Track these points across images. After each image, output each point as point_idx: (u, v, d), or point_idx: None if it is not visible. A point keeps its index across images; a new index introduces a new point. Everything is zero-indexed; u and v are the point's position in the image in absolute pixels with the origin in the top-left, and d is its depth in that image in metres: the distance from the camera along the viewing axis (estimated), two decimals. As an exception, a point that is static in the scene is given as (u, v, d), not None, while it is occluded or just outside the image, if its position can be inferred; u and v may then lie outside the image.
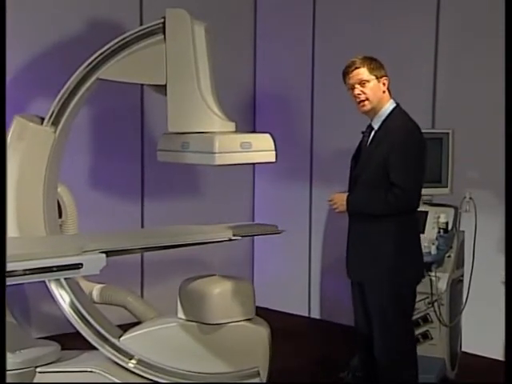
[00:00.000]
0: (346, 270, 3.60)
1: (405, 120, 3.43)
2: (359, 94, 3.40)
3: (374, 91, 3.39)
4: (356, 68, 3.39)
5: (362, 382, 3.70)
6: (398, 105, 3.47)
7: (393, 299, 3.40)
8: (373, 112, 3.44)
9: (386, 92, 3.45)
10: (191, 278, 3.94)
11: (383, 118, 3.42)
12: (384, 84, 3.42)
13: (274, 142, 3.81)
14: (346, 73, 3.44)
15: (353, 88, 3.41)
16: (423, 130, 4.70)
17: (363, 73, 3.39)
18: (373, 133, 3.44)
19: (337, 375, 4.22)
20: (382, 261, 3.38)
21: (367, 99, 3.40)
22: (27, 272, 2.90)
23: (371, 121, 3.47)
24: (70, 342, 4.00)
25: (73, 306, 3.80)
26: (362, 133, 3.55)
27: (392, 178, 3.32)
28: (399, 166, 3.31)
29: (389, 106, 3.44)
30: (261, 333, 3.86)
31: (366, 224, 3.42)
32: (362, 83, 3.39)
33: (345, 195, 3.44)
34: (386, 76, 3.43)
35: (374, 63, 3.41)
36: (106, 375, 3.71)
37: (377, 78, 3.39)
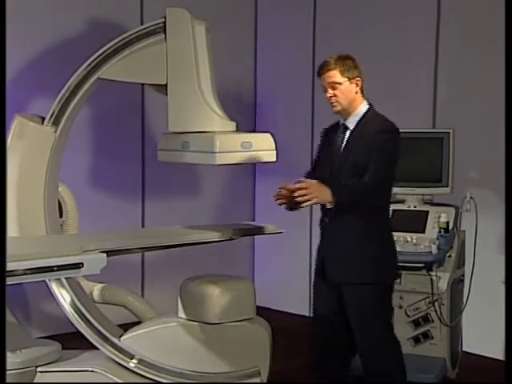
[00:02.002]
0: (316, 269, 3.59)
1: (383, 120, 3.44)
2: (330, 97, 3.41)
3: (345, 93, 3.40)
4: (328, 70, 3.40)
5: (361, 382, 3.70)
6: (371, 105, 3.48)
7: (376, 299, 3.42)
8: (346, 112, 3.44)
9: (359, 93, 3.44)
10: (192, 277, 3.93)
11: (358, 118, 3.43)
12: (357, 85, 3.41)
13: (275, 141, 3.81)
14: (318, 73, 3.45)
15: (325, 90, 3.43)
16: (424, 130, 4.75)
17: (335, 75, 3.39)
18: (348, 132, 3.44)
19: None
20: (364, 262, 3.39)
21: (337, 101, 3.41)
22: (28, 272, 2.90)
23: (344, 120, 3.46)
24: (71, 341, 4.00)
25: (73, 305, 3.80)
26: (326, 130, 3.56)
27: (368, 172, 3.32)
28: (374, 161, 3.30)
29: (363, 106, 3.45)
30: (261, 333, 3.86)
31: (344, 225, 3.40)
32: (334, 85, 3.39)
33: (321, 184, 3.26)
34: (358, 77, 3.42)
35: (346, 64, 3.40)
36: (107, 375, 3.71)
37: (349, 79, 3.39)
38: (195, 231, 3.93)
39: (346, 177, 3.37)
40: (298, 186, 3.24)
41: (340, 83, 3.39)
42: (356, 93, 3.43)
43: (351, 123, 3.45)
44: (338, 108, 3.42)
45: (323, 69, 3.42)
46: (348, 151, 3.41)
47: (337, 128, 3.52)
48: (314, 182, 3.27)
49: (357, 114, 3.44)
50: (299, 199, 3.24)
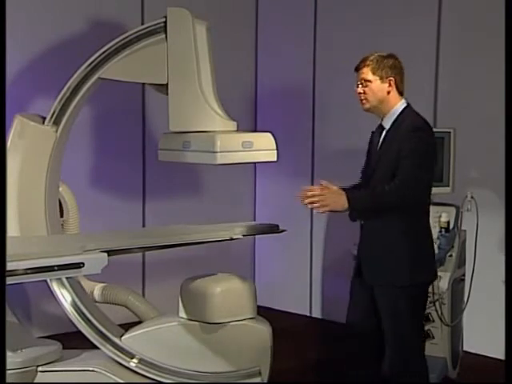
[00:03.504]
0: (354, 270, 3.57)
1: (417, 119, 3.41)
2: (360, 93, 3.41)
3: (375, 92, 3.38)
4: (363, 66, 3.40)
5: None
6: (408, 105, 3.46)
7: (408, 301, 3.37)
8: (378, 111, 3.44)
9: (394, 92, 3.41)
10: (193, 277, 3.94)
11: (394, 117, 3.41)
12: (390, 85, 3.39)
13: (276, 141, 3.81)
14: (356, 68, 3.44)
15: (357, 86, 3.43)
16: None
17: (367, 72, 3.38)
18: (384, 132, 3.43)
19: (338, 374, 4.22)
20: (398, 264, 3.35)
21: (366, 99, 3.40)
22: (29, 271, 2.90)
23: (381, 120, 3.46)
24: (72, 341, 4.00)
25: (74, 305, 3.80)
26: (372, 133, 3.55)
27: (399, 170, 3.30)
28: (404, 162, 3.28)
29: (400, 105, 3.43)
30: (262, 332, 3.86)
31: (379, 226, 3.38)
32: (365, 83, 3.39)
33: (340, 192, 3.27)
34: (393, 76, 3.40)
35: (382, 63, 3.38)
36: (108, 374, 3.71)
37: (381, 78, 3.38)
38: (196, 231, 3.93)
39: (381, 177, 3.34)
40: (310, 193, 3.22)
41: (370, 81, 3.38)
42: (388, 92, 3.39)
43: (387, 123, 3.42)
44: (367, 106, 3.41)
45: (360, 64, 3.41)
46: (382, 151, 3.40)
47: (378, 129, 3.51)
48: (333, 188, 3.27)
49: (393, 114, 3.41)
50: (309, 206, 3.24)
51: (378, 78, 3.38)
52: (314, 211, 3.30)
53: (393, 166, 3.32)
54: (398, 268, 3.35)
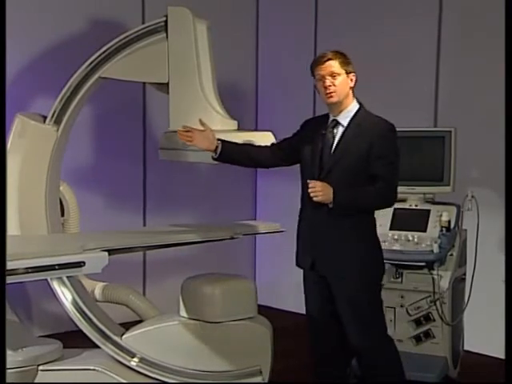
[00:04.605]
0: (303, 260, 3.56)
1: (382, 119, 3.42)
2: (329, 86, 3.38)
3: (343, 85, 3.39)
4: (329, 59, 3.39)
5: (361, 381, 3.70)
6: (362, 105, 3.46)
7: (367, 293, 3.42)
8: (339, 106, 3.42)
9: (352, 89, 3.43)
10: (193, 276, 3.94)
11: (351, 114, 3.41)
12: (352, 80, 3.41)
13: (276, 140, 3.81)
14: (317, 63, 3.41)
15: (322, 79, 3.40)
16: (425, 129, 4.76)
17: (335, 65, 3.38)
18: (341, 128, 3.41)
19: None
20: (357, 257, 3.38)
21: (335, 92, 3.39)
22: (29, 270, 2.91)
23: (335, 116, 3.43)
24: (72, 340, 4.00)
25: (75, 304, 3.80)
26: (310, 122, 3.56)
27: (375, 171, 3.31)
28: (382, 161, 3.31)
29: (355, 104, 3.44)
30: (263, 331, 3.86)
31: (339, 220, 3.37)
32: (333, 75, 3.38)
33: (329, 187, 3.30)
34: (354, 73, 3.42)
35: (345, 58, 3.41)
36: (108, 373, 3.71)
37: (346, 72, 3.39)
38: (196, 230, 3.93)
39: (339, 175, 3.34)
40: (311, 184, 3.30)
41: (339, 74, 3.38)
42: (350, 88, 3.41)
43: (343, 119, 3.41)
44: (335, 99, 3.39)
45: (323, 58, 3.40)
46: (342, 151, 3.37)
47: (324, 121, 3.48)
48: (320, 183, 3.30)
49: (349, 111, 3.41)
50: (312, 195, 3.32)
51: (344, 72, 3.39)
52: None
53: (360, 164, 3.32)
54: (352, 262, 3.37)
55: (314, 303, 3.56)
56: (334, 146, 3.40)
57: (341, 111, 3.42)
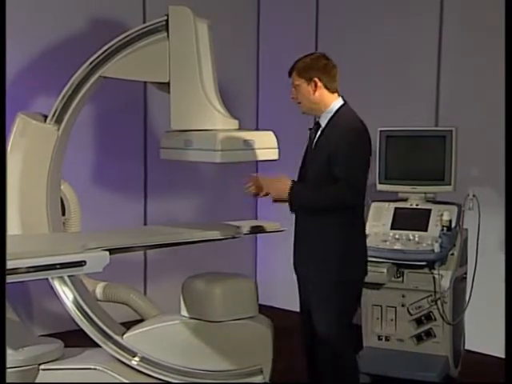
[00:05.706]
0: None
1: (352, 118, 3.38)
2: (293, 98, 3.44)
3: (304, 94, 3.39)
4: (290, 72, 3.44)
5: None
6: (345, 102, 3.43)
7: (339, 297, 3.37)
8: (315, 112, 3.43)
9: (323, 91, 3.38)
10: (194, 275, 3.94)
11: (330, 115, 3.39)
12: (316, 85, 3.37)
13: (277, 139, 3.81)
14: (288, 75, 3.47)
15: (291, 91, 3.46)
16: (427, 128, 4.75)
17: (294, 77, 3.42)
18: (320, 130, 3.41)
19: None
20: (329, 260, 3.36)
21: (300, 103, 3.43)
22: (31, 269, 2.91)
23: (318, 118, 3.44)
24: (73, 339, 4.00)
25: (76, 303, 3.80)
26: (310, 129, 3.53)
27: (336, 172, 3.27)
28: (344, 162, 3.26)
29: (335, 104, 3.40)
30: (264, 331, 3.86)
31: (312, 220, 3.38)
32: (295, 87, 3.42)
33: (288, 183, 3.32)
34: (317, 77, 3.36)
35: (304, 65, 3.39)
36: (109, 373, 3.71)
37: (306, 80, 3.37)
38: (197, 229, 3.93)
39: (314, 176, 3.36)
40: (250, 180, 3.45)
41: (298, 85, 3.40)
42: (314, 92, 3.37)
43: (323, 120, 3.41)
44: (303, 109, 3.44)
45: (289, 70, 3.45)
46: (317, 150, 3.39)
47: (315, 126, 3.50)
48: (277, 180, 3.39)
49: (329, 112, 3.39)
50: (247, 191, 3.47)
51: (303, 80, 3.38)
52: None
53: (325, 164, 3.30)
54: (329, 264, 3.35)
55: (300, 301, 3.62)
56: (312, 147, 3.43)
57: (322, 112, 3.42)
